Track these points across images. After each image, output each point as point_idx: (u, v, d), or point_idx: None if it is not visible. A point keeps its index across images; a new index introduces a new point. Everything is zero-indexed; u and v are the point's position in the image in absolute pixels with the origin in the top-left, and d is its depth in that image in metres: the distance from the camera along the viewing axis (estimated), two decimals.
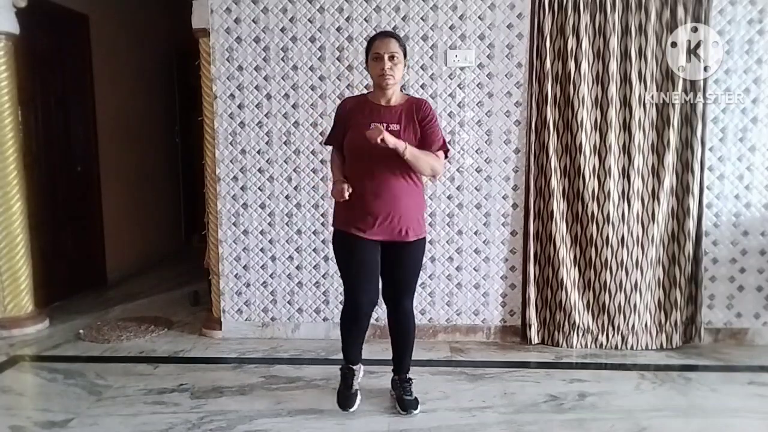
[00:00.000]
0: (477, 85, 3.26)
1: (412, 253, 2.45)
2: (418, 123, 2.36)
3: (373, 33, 3.17)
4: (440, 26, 3.22)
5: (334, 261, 2.56)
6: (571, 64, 3.17)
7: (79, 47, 4.43)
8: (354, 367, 2.59)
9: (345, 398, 2.55)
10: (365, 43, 3.05)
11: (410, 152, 2.26)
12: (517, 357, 3.20)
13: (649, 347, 3.30)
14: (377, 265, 2.42)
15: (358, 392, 2.60)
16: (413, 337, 2.56)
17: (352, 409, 2.52)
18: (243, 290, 3.47)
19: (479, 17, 3.21)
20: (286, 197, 3.38)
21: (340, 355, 2.67)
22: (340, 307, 2.63)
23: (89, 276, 4.60)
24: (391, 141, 2.21)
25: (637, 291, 3.27)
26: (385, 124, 2.28)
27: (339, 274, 2.54)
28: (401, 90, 2.51)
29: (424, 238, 2.50)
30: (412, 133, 2.35)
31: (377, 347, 3.07)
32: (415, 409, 2.51)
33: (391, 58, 2.29)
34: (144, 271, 5.19)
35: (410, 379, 2.59)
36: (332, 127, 2.51)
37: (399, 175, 2.33)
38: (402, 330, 2.54)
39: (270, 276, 3.44)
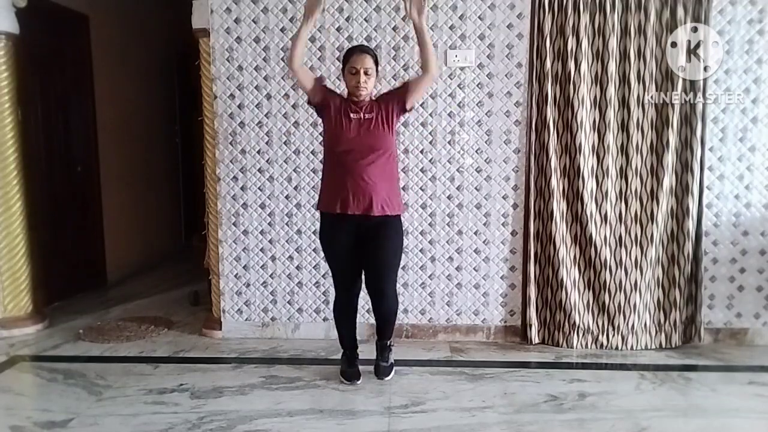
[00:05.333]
0: (477, 85, 3.26)
1: (390, 232, 2.68)
2: (384, 102, 2.66)
3: (374, 33, 3.21)
4: (440, 26, 3.22)
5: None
6: (571, 65, 3.17)
7: (79, 47, 4.43)
8: (355, 351, 2.88)
9: (350, 374, 2.81)
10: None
11: (425, 28, 2.58)
12: (518, 357, 3.20)
13: (649, 347, 3.30)
14: (357, 259, 2.70)
15: (360, 370, 2.83)
16: (395, 317, 2.82)
17: (359, 382, 2.77)
18: (243, 290, 3.47)
19: (479, 17, 3.21)
20: (286, 197, 3.38)
21: (340, 355, 2.87)
22: None
23: (89, 276, 4.60)
24: (423, 16, 2.55)
25: (636, 291, 3.27)
26: (362, 114, 2.62)
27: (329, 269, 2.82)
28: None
29: (400, 218, 2.74)
30: (383, 121, 2.63)
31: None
32: (387, 375, 2.82)
33: (366, 72, 2.59)
34: (144, 271, 5.19)
35: (390, 345, 2.88)
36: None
37: (374, 160, 2.60)
38: (385, 314, 2.79)
39: (270, 276, 3.44)
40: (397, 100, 2.66)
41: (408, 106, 2.68)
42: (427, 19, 2.65)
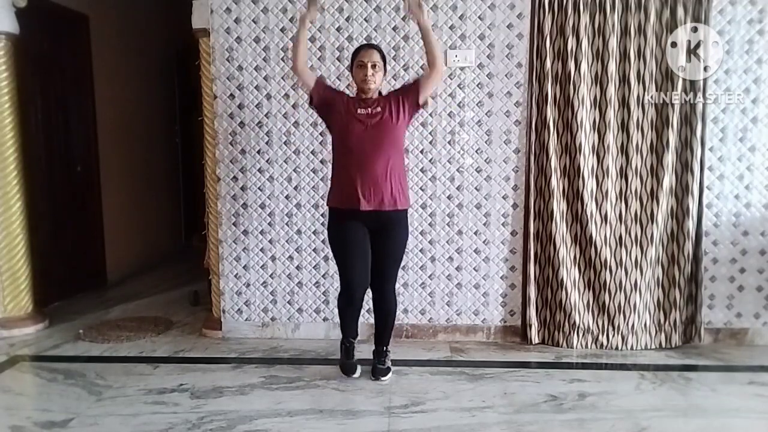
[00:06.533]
0: (477, 85, 3.26)
1: (397, 226, 2.74)
2: (395, 96, 2.71)
3: (374, 33, 3.21)
4: (440, 26, 3.22)
5: (332, 256, 2.86)
6: (571, 64, 3.17)
7: (79, 47, 4.43)
8: (353, 341, 2.89)
9: (348, 366, 2.86)
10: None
11: (429, 25, 2.66)
12: (517, 357, 3.20)
13: (649, 347, 3.30)
14: (368, 251, 2.73)
15: (358, 363, 2.88)
16: (394, 318, 2.89)
17: (355, 375, 2.84)
18: (243, 290, 3.47)
19: (479, 17, 3.21)
20: (286, 197, 3.38)
21: (339, 345, 2.91)
22: None
23: (89, 276, 4.60)
24: (424, 13, 2.63)
25: (636, 291, 3.27)
26: (369, 109, 2.65)
27: (336, 263, 2.82)
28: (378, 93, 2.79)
29: (407, 212, 2.79)
30: (391, 113, 2.65)
31: None
32: (384, 376, 2.82)
33: (373, 66, 2.64)
34: (144, 271, 5.19)
35: (387, 351, 2.91)
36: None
37: (383, 154, 2.63)
38: (385, 314, 2.85)
39: (270, 276, 3.44)
40: (410, 93, 2.70)
41: (421, 101, 2.71)
42: (428, 15, 2.70)
